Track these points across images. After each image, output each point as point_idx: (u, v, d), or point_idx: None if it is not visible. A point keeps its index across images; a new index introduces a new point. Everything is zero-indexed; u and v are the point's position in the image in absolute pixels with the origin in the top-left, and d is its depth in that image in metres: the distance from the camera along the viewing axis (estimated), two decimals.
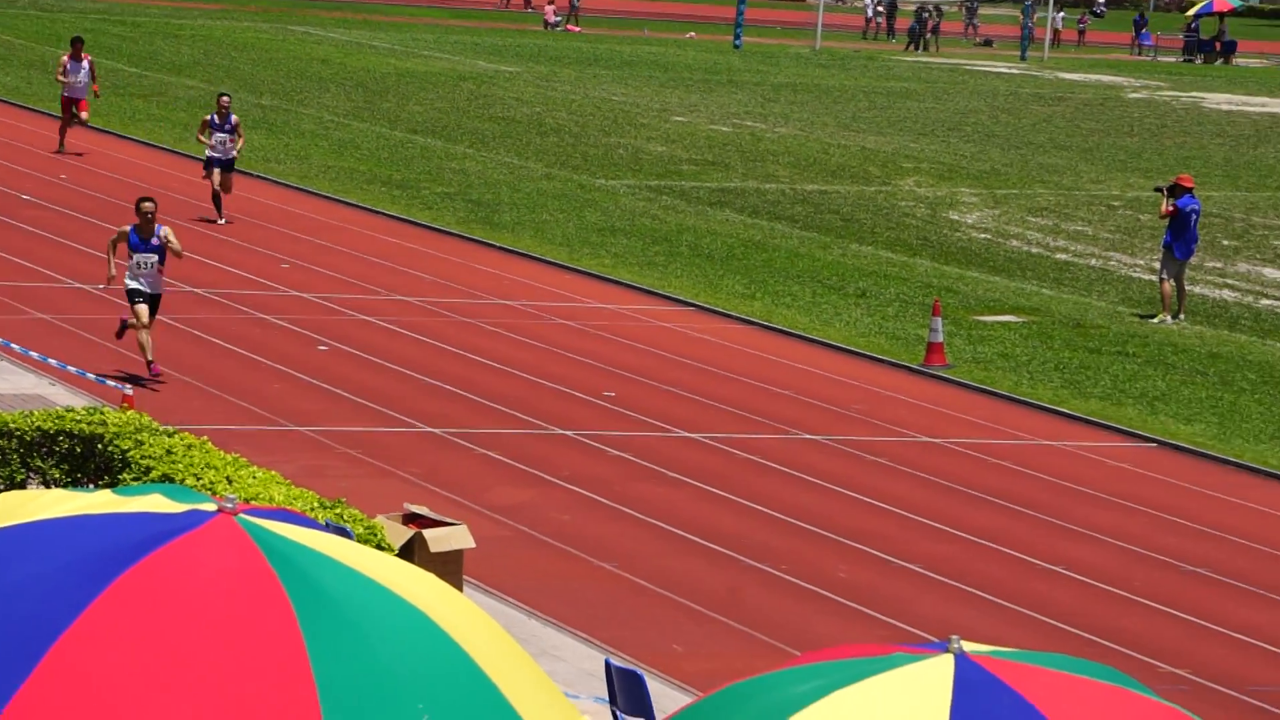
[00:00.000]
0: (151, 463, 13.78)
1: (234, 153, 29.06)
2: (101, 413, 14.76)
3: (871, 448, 20.29)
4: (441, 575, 10.32)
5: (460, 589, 13.98)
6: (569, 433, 20.01)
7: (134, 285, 20.19)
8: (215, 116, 29.05)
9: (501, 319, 24.91)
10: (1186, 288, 28.26)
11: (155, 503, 5.30)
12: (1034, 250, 32.75)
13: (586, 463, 18.99)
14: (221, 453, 14.14)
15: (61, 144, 34.81)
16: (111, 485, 14.08)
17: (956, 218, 35.48)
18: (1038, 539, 17.72)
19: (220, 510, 5.15)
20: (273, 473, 13.94)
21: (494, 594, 15.12)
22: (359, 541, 11.74)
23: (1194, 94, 63.00)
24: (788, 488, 18.66)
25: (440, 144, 39.89)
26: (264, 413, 19.82)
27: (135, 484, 13.60)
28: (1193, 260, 28.66)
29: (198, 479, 13.46)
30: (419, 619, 4.85)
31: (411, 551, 13.93)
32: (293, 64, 52.98)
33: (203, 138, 29.09)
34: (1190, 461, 20.73)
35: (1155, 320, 27.43)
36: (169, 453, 13.88)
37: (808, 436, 20.53)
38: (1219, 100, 61.28)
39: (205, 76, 48.70)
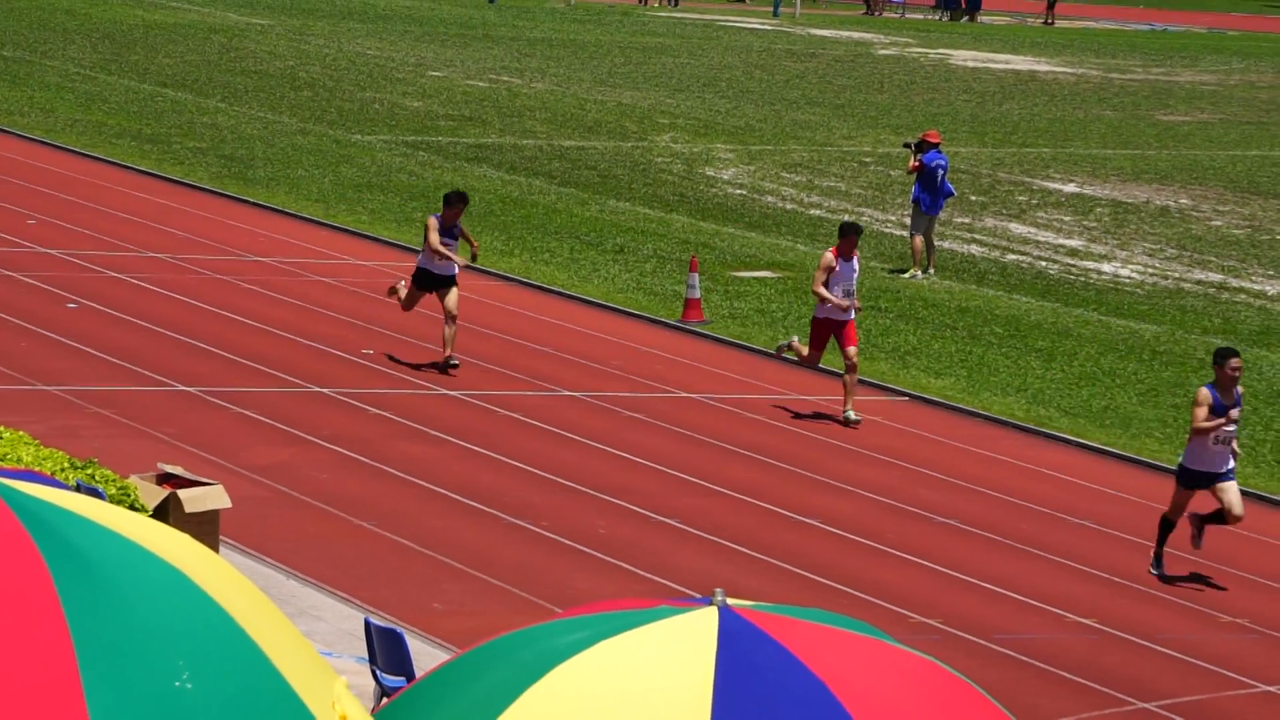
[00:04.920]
0: None
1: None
2: None
3: (629, 404, 20.40)
4: (197, 536, 10.17)
5: (216, 549, 13.80)
6: (328, 391, 19.84)
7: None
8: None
9: (257, 276, 24.59)
10: (936, 243, 28.79)
11: None
12: (789, 206, 33.11)
13: (346, 421, 18.85)
14: None
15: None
16: None
17: (712, 174, 35.74)
18: (792, 492, 17.97)
19: None
20: (20, 433, 13.63)
21: (252, 554, 14.96)
22: (112, 502, 11.54)
23: (941, 50, 64.07)
24: (547, 444, 18.70)
25: (191, 98, 39.20)
26: (11, 372, 19.37)
27: None
28: (941, 215, 29.18)
29: None
30: (176, 577, 4.78)
31: (166, 512, 13.72)
32: (35, 14, 51.65)
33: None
34: (940, 414, 21.15)
35: (906, 275, 27.91)
36: None
37: (567, 393, 20.58)
38: (965, 57, 62.40)
39: None
